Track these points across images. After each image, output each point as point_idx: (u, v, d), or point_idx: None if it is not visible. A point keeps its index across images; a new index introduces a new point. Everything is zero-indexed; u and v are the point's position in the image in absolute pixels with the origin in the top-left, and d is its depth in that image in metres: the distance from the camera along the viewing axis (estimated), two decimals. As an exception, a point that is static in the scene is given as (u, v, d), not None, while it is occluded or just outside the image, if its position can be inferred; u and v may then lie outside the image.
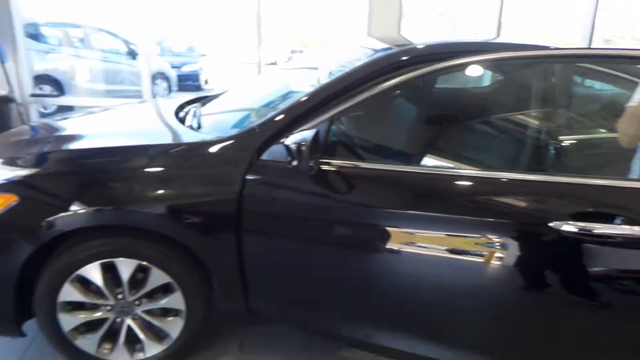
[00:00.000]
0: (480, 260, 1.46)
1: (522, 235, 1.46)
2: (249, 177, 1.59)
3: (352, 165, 1.58)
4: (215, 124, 2.01)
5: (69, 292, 1.67)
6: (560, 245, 1.42)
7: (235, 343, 2.09)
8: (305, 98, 1.62)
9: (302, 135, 1.46)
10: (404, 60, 1.62)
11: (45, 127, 2.25)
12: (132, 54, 7.59)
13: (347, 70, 1.66)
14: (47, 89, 5.97)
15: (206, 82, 11.79)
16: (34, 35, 6.29)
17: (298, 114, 1.60)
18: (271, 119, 1.64)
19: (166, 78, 8.92)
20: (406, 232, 1.52)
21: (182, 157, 1.68)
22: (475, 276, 1.49)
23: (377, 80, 1.60)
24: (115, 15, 7.52)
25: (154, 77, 6.93)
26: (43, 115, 5.25)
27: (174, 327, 1.81)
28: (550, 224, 1.38)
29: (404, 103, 1.94)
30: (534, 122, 1.78)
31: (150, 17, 4.65)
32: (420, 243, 1.51)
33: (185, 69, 10.51)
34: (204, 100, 2.50)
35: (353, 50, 2.07)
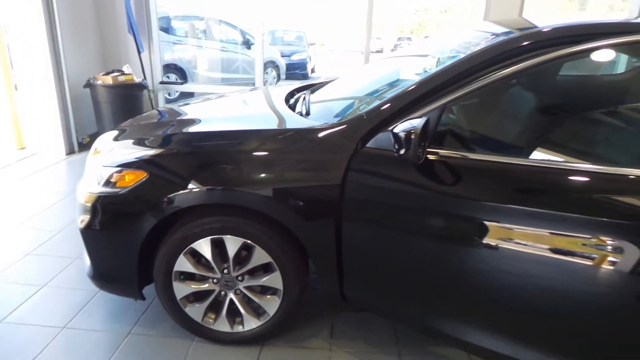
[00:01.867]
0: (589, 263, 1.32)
1: None
2: (353, 164, 1.58)
3: (460, 156, 1.50)
4: (323, 111, 2.03)
5: (184, 263, 1.82)
6: None
7: (327, 326, 2.12)
8: (415, 86, 1.56)
9: (411, 123, 1.41)
10: (527, 45, 1.48)
11: (170, 111, 2.46)
12: (247, 44, 8.04)
13: (462, 56, 1.55)
14: (172, 77, 6.57)
15: (312, 70, 12.06)
16: (165, 28, 6.94)
17: (407, 102, 1.54)
18: (379, 107, 1.61)
19: (276, 66, 9.30)
20: (513, 229, 1.41)
21: (289, 142, 1.72)
22: (584, 280, 1.35)
23: (495, 67, 1.48)
24: (234, 6, 7.99)
25: (265, 66, 7.28)
26: (168, 100, 5.80)
27: (272, 305, 1.89)
28: None
29: (521, 91, 1.78)
30: None
31: (265, 8, 4.84)
32: (526, 241, 1.39)
33: (295, 58, 10.85)
34: (313, 88, 2.54)
35: (469, 35, 1.94)
